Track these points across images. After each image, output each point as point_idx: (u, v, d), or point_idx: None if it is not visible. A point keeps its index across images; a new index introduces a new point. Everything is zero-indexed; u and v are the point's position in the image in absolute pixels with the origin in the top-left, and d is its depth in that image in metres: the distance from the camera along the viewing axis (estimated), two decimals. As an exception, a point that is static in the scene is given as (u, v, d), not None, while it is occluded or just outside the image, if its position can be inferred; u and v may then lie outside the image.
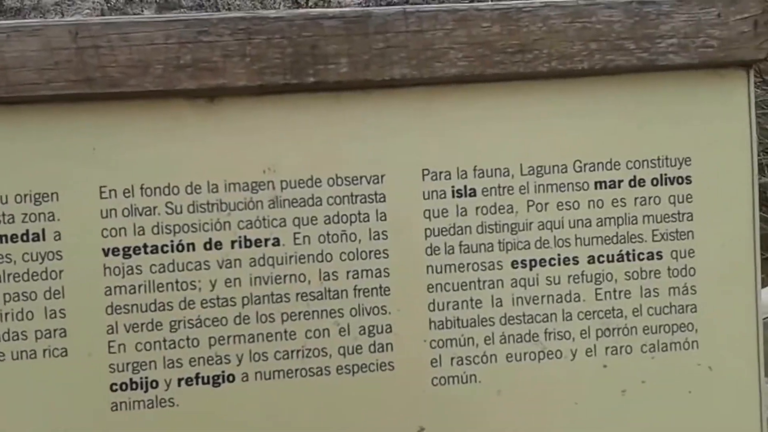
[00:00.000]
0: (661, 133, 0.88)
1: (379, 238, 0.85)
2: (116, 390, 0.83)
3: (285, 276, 0.85)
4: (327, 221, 0.85)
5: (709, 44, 0.84)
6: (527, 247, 0.87)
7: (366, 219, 0.85)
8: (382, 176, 0.85)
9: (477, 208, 0.87)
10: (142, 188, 0.83)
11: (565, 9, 0.83)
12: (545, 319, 0.88)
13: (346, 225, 0.85)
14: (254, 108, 0.84)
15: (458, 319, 0.87)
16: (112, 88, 0.81)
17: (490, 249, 0.86)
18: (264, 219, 0.84)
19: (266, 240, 0.84)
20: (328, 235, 0.85)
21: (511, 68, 0.83)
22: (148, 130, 0.83)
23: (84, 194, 0.83)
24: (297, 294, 0.85)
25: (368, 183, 0.85)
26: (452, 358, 0.87)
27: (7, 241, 0.81)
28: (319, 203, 0.85)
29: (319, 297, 0.86)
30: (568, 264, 0.88)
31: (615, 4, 0.84)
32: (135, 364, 0.83)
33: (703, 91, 0.87)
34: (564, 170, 0.87)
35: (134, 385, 0.83)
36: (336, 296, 0.86)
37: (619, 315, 0.89)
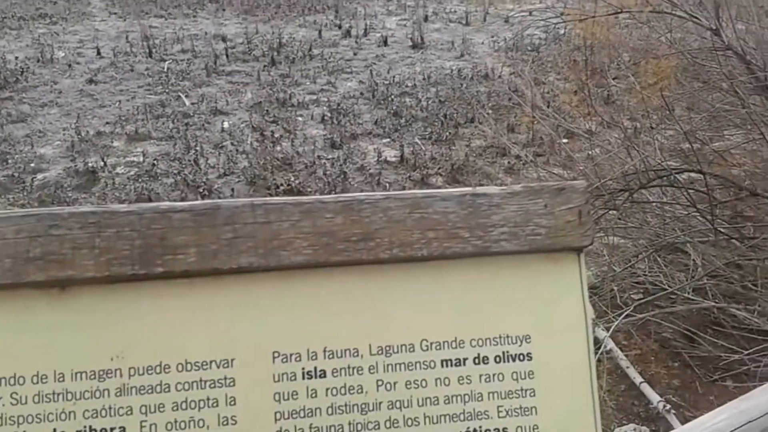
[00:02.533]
0: (502, 313, 0.93)
1: (228, 424, 0.86)
2: None
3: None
4: (175, 408, 0.85)
5: (537, 232, 0.91)
6: (377, 427, 0.88)
7: (215, 404, 0.86)
8: (232, 360, 0.87)
9: (327, 389, 0.88)
10: (-14, 379, 0.83)
11: (404, 201, 0.90)
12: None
13: (195, 411, 0.85)
14: (104, 297, 0.85)
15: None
16: (-39, 280, 0.83)
17: (340, 431, 0.88)
18: (110, 408, 0.84)
19: (112, 429, 0.83)
20: (176, 422, 0.84)
21: (355, 255, 0.88)
22: (-4, 321, 0.84)
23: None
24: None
25: (218, 367, 0.86)
26: None
27: None
28: (167, 390, 0.85)
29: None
30: (418, 444, 0.90)
31: (450, 197, 0.91)
32: None
33: (538, 273, 0.93)
34: (411, 349, 0.91)
35: None
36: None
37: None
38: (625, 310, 4.52)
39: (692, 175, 5.41)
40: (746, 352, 4.13)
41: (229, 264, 0.86)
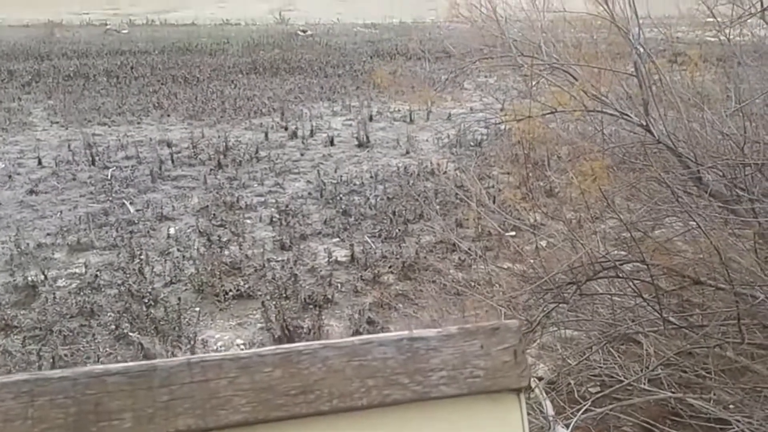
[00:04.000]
0: (447, 456, 0.92)
1: None
2: None
3: None
4: None
5: (476, 374, 0.91)
6: None
7: None
8: None
9: None
10: None
11: (342, 349, 0.90)
12: None
13: None
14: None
15: None
16: None
17: None
18: None
19: None
20: None
21: (294, 409, 0.87)
22: None
23: None
24: None
25: None
26: None
27: None
28: None
29: None
30: None
31: (388, 342, 0.91)
32: None
33: (479, 415, 0.92)
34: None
35: None
36: None
37: None
38: (584, 405, 4.51)
39: (637, 264, 5.53)
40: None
41: (166, 428, 0.84)
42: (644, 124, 5.46)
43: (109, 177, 10.73)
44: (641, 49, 5.44)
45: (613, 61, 6.05)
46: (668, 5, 5.86)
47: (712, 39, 7.03)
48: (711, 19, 5.77)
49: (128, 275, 7.63)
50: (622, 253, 5.77)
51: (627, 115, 5.57)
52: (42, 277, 7.60)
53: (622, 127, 6.01)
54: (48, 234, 8.80)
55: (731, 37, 5.89)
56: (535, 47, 6.09)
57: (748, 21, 5.38)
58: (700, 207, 5.45)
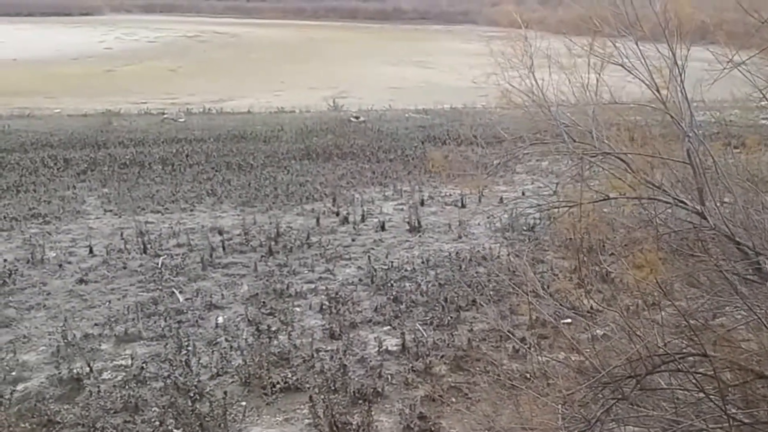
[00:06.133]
0: None
1: None
2: None
3: None
4: None
5: None
6: None
7: None
8: None
9: None
10: None
11: None
12: None
13: None
14: None
15: None
16: None
17: None
18: None
19: None
20: None
21: None
22: None
23: None
24: None
25: None
26: None
27: None
28: None
29: None
30: None
31: None
32: None
33: None
34: None
35: None
36: None
37: None
38: None
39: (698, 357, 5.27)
40: None
41: None
42: (699, 210, 5.27)
43: (159, 265, 10.86)
44: (694, 136, 5.29)
45: (667, 144, 5.91)
46: (721, 90, 5.73)
47: (765, 120, 6.84)
48: (760, 102, 5.60)
49: (174, 367, 7.59)
50: (682, 343, 5.49)
51: (682, 201, 5.39)
52: (87, 369, 7.61)
53: (678, 215, 5.80)
54: (96, 324, 8.88)
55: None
56: (587, 133, 6.01)
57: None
58: (761, 296, 5.18)
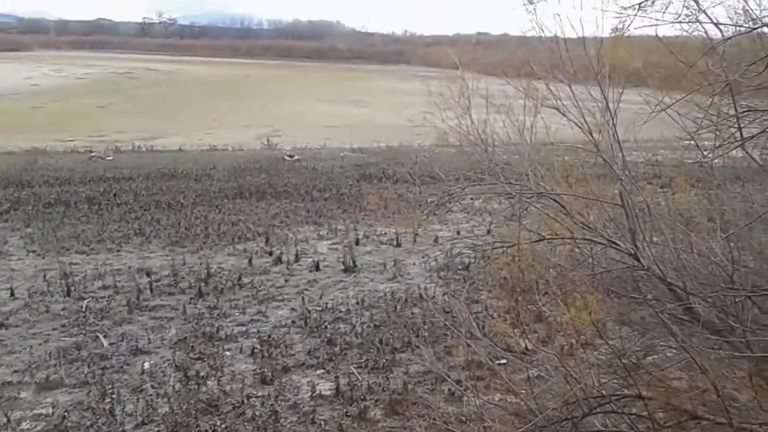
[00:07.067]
0: None
1: None
2: None
3: None
4: None
5: None
6: None
7: None
8: None
9: None
10: None
11: None
12: None
13: None
14: None
15: None
16: None
17: None
18: None
19: None
20: None
21: None
22: None
23: None
24: None
25: None
26: None
27: None
28: None
29: None
30: None
31: None
32: None
33: None
34: None
35: None
36: None
37: None
38: None
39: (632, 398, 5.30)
40: None
41: None
42: (632, 252, 5.32)
43: (83, 308, 10.37)
44: (626, 178, 5.36)
45: (601, 184, 5.98)
46: (650, 130, 5.86)
47: (692, 162, 7.01)
48: (689, 141, 5.73)
49: (98, 416, 7.18)
50: (617, 384, 5.49)
51: (615, 243, 5.43)
52: (5, 419, 7.12)
53: (611, 255, 5.84)
54: (15, 371, 8.35)
55: (712, 161, 5.85)
56: (523, 174, 6.03)
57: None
58: (693, 336, 5.23)
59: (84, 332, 9.50)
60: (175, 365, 8.46)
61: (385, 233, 15.02)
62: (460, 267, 12.62)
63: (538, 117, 5.96)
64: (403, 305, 10.64)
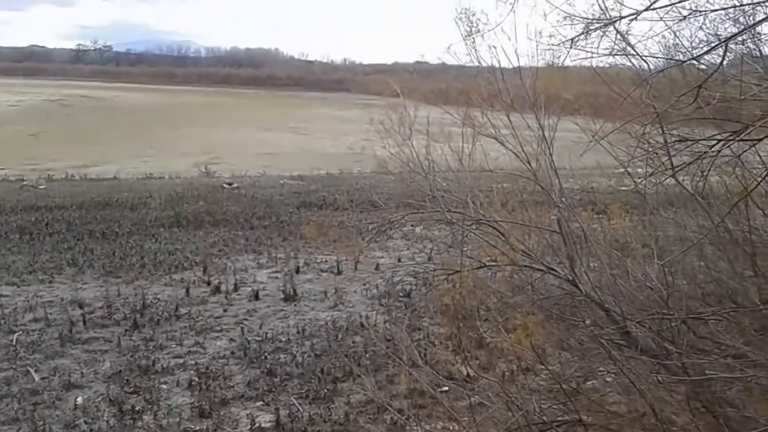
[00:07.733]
0: None
1: None
2: None
3: None
4: None
5: None
6: None
7: None
8: None
9: None
10: None
11: None
12: None
13: None
14: None
15: None
16: None
17: None
18: None
19: None
20: None
21: None
22: None
23: None
24: None
25: None
26: None
27: None
28: None
29: None
30: None
31: None
32: None
33: None
34: None
35: None
36: None
37: None
38: None
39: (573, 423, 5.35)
40: None
41: None
42: (570, 278, 5.40)
43: (13, 342, 9.94)
44: (563, 205, 5.45)
45: (539, 211, 6.08)
46: (587, 158, 6.00)
47: (626, 189, 7.19)
48: (622, 170, 5.89)
49: (27, 455, 6.89)
50: (558, 409, 5.54)
51: (554, 269, 5.50)
52: None
53: (550, 281, 5.92)
54: (-63, 415, 7.94)
55: (646, 189, 6.00)
56: (463, 202, 6.09)
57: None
58: (631, 361, 5.32)
59: (14, 367, 9.09)
60: (110, 400, 8.17)
61: (326, 261, 14.92)
62: (401, 294, 12.62)
63: (478, 145, 6.04)
64: (345, 334, 10.55)
